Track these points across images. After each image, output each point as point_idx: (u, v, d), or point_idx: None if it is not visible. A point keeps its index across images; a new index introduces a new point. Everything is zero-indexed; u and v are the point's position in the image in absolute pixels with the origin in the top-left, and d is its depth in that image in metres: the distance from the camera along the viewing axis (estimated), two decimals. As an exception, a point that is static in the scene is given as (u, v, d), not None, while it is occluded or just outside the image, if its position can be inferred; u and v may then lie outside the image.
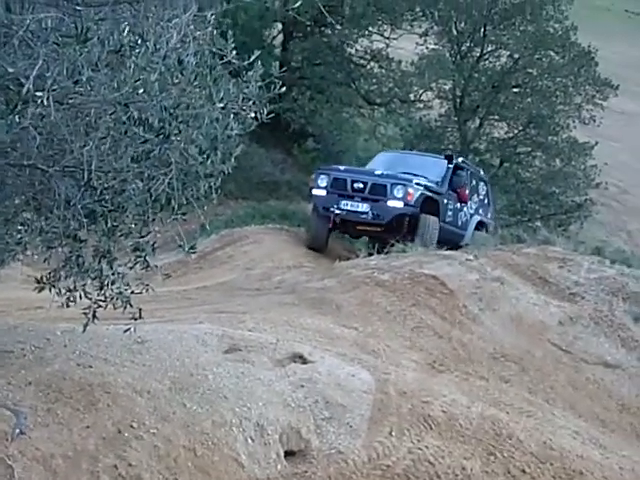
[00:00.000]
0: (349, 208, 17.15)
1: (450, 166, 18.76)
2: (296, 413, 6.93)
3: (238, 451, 6.29)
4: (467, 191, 19.04)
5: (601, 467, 7.93)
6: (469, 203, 19.23)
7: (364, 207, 17.03)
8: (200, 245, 17.46)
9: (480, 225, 19.42)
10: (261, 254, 16.55)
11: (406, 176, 17.61)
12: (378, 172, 17.70)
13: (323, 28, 29.90)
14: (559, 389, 9.79)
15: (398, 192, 16.96)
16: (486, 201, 20.42)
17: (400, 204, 16.97)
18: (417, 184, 17.30)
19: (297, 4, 4.83)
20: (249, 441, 6.42)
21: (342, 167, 18.46)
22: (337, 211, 17.14)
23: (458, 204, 18.67)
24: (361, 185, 17.15)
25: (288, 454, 6.65)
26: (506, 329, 10.77)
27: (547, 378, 9.89)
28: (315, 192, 17.65)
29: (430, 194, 17.52)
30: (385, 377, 8.05)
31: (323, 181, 17.46)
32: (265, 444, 6.50)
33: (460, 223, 18.84)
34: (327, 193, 17.35)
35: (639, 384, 10.19)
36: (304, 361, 7.85)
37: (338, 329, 9.65)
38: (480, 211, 19.83)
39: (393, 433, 7.16)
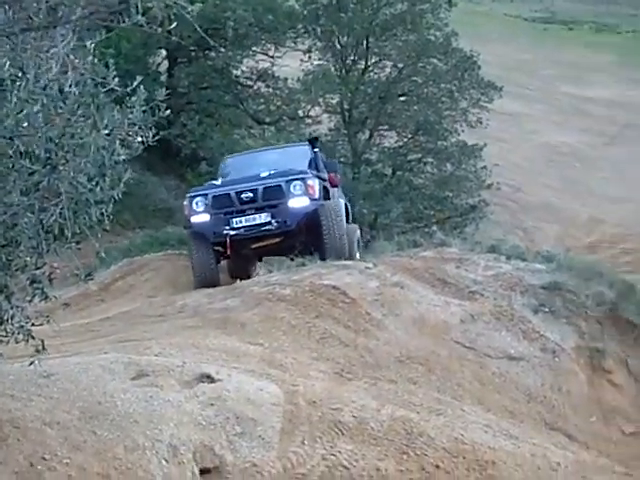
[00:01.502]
0: (245, 224, 14.75)
1: (316, 150, 16.79)
2: (208, 431, 6.98)
3: (153, 473, 6.31)
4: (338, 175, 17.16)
5: (513, 456, 8.13)
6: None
7: (263, 217, 14.72)
8: (100, 277, 17.36)
9: (346, 209, 17.13)
10: (162, 281, 16.48)
11: (294, 169, 15.51)
12: (264, 174, 15.21)
13: (207, 51, 30.01)
14: (466, 385, 9.95)
15: (297, 189, 14.85)
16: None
17: (305, 201, 14.86)
18: (313, 174, 15.44)
19: (171, 26, 4.85)
20: (163, 462, 6.45)
21: (215, 181, 15.89)
22: (232, 232, 14.64)
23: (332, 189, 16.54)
24: (250, 194, 14.78)
25: (203, 472, 6.69)
26: (410, 332, 10.90)
27: (454, 376, 10.04)
28: (195, 219, 14.96)
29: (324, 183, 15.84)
30: (294, 389, 8.13)
31: (200, 204, 14.90)
32: (179, 464, 6.53)
33: None
34: (211, 216, 14.78)
35: (543, 374, 10.39)
36: (212, 380, 7.88)
37: (244, 346, 9.69)
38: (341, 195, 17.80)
39: (305, 442, 7.25)
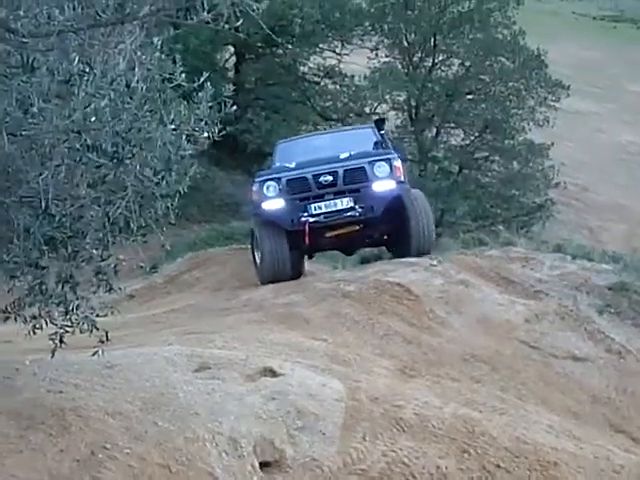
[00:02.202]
0: (325, 210, 13.30)
1: (383, 132, 15.30)
2: (268, 424, 7.00)
3: (212, 465, 6.35)
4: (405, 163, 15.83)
5: (575, 457, 8.03)
6: None
7: (345, 203, 13.29)
8: (167, 270, 17.59)
9: None
10: (227, 275, 16.58)
11: (376, 148, 14.39)
12: (344, 155, 13.66)
13: (275, 48, 30.20)
14: (530, 385, 9.88)
15: (382, 170, 13.43)
16: None
17: (391, 184, 13.43)
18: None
19: (238, 23, 4.89)
20: (223, 455, 6.48)
21: (288, 164, 14.01)
22: (311, 219, 13.19)
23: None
24: (329, 177, 13.29)
25: (263, 465, 6.70)
26: (474, 330, 10.86)
27: (518, 375, 9.97)
28: (267, 206, 13.38)
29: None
30: (356, 385, 8.13)
31: (273, 189, 13.37)
32: (239, 457, 6.56)
33: None
34: (286, 202, 13.28)
35: (608, 375, 10.30)
36: (275, 374, 7.91)
37: (307, 342, 9.71)
38: None
39: (366, 438, 7.24)
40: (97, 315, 5.95)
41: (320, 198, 13.34)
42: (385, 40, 29.25)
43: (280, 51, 30.11)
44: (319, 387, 7.82)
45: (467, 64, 28.65)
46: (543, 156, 28.18)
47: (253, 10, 4.92)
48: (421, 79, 28.22)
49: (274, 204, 13.37)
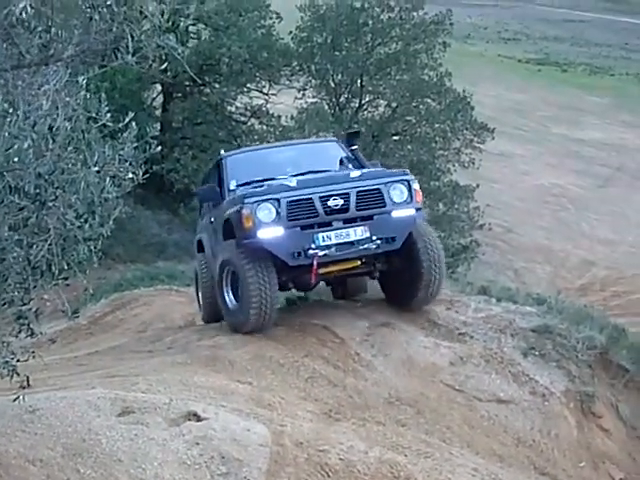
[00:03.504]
0: (335, 241, 10.79)
1: (354, 148, 13.02)
2: (192, 470, 6.92)
3: (136, 513, 6.27)
4: None
5: (501, 501, 8.08)
6: None
7: (359, 233, 10.86)
8: (90, 311, 17.38)
9: None
10: (152, 316, 16.45)
11: (384, 170, 12.22)
12: (355, 174, 11.40)
13: (202, 87, 30.23)
14: (455, 428, 9.89)
15: (399, 194, 11.09)
16: None
17: (410, 211, 11.12)
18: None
19: (163, 66, 4.88)
20: (146, 502, 6.41)
21: (288, 180, 11.36)
22: (322, 252, 10.69)
23: None
24: (340, 201, 10.79)
25: (187, 513, 6.63)
26: (400, 373, 10.84)
27: (442, 418, 9.98)
28: (264, 234, 10.61)
29: None
30: (281, 429, 8.07)
31: (269, 212, 10.66)
32: (163, 504, 6.49)
33: None
34: (286, 230, 10.65)
35: (532, 418, 10.34)
36: (199, 419, 7.83)
37: (232, 385, 9.63)
38: None
39: (291, 484, 7.19)
40: (18, 360, 5.84)
41: (328, 226, 10.81)
42: (313, 80, 29.49)
43: (208, 90, 30.19)
44: (243, 432, 7.75)
45: (393, 105, 28.98)
46: (468, 197, 28.49)
47: (178, 54, 4.89)
48: (347, 120, 28.44)
49: (272, 232, 10.63)
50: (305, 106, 28.88)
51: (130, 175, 5.95)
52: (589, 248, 34.86)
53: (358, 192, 10.86)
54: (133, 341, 13.77)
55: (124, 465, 6.63)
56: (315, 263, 10.66)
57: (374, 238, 10.81)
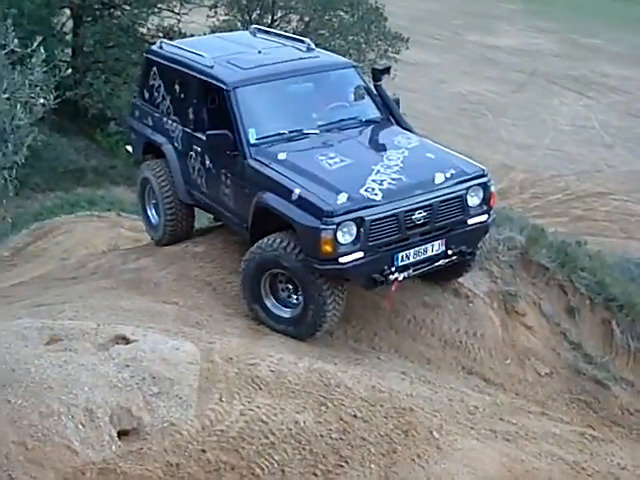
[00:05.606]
0: (413, 260, 9.23)
1: (379, 84, 11.40)
2: (124, 392, 6.94)
3: (70, 438, 6.29)
4: None
5: (431, 402, 8.24)
6: None
7: (437, 247, 9.35)
8: (11, 241, 17.19)
9: None
10: (74, 243, 16.34)
11: (453, 156, 9.97)
12: (439, 177, 9.27)
13: (112, 10, 29.78)
14: (382, 334, 10.03)
15: (475, 198, 9.56)
16: None
17: (484, 217, 9.65)
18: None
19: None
20: (80, 427, 6.42)
21: (368, 192, 8.99)
22: (401, 276, 9.13)
23: None
24: (423, 214, 9.09)
25: (121, 434, 6.66)
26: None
27: (369, 325, 10.11)
28: (346, 258, 8.79)
29: None
30: (210, 346, 8.12)
31: (349, 233, 8.77)
32: (96, 427, 6.50)
33: None
34: (366, 252, 8.86)
35: (458, 319, 10.47)
36: (127, 341, 7.82)
37: (159, 306, 9.65)
38: None
39: (223, 399, 7.25)
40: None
41: (405, 241, 9.16)
42: (223, -2, 29.15)
43: (118, 13, 29.70)
44: (172, 351, 7.77)
45: (306, 19, 28.74)
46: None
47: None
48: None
49: (352, 255, 8.85)
50: (217, 24, 28.58)
51: (41, 101, 5.89)
52: (507, 153, 35.17)
53: (441, 202, 9.26)
54: (57, 269, 13.68)
55: (55, 392, 6.64)
56: (393, 287, 9.27)
57: (449, 252, 9.46)
